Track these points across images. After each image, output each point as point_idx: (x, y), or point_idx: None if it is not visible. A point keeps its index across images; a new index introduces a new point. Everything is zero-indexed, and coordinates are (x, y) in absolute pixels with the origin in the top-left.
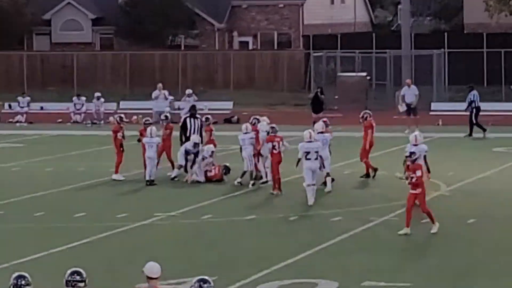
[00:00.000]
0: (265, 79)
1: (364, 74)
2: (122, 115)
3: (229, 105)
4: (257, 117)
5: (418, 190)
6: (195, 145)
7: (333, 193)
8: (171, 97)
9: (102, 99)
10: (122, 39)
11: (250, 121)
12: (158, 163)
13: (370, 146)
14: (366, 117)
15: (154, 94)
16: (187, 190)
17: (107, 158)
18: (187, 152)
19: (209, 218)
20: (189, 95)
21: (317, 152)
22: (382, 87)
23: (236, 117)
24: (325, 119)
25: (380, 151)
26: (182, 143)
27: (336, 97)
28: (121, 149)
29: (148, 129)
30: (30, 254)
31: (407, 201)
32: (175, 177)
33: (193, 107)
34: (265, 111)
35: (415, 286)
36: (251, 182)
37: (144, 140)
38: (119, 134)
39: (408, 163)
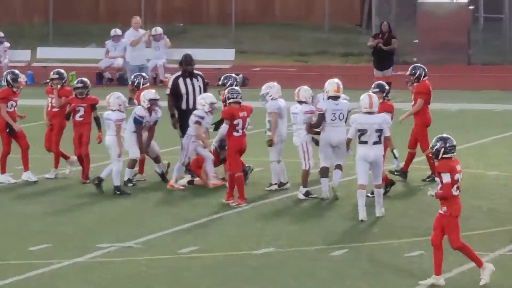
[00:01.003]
0: (291, 10)
1: (466, 0)
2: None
3: (228, 54)
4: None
5: None
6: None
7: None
8: (122, 40)
9: (7, 43)
10: None
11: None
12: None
13: (426, 125)
14: (418, 75)
15: (107, 44)
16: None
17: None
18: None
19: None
20: (156, 37)
21: (380, 131)
22: (496, 23)
23: (241, 76)
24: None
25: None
26: (177, 123)
27: (416, 41)
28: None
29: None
30: None
31: None
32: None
33: (186, 60)
34: (289, 66)
35: None
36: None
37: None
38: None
39: None
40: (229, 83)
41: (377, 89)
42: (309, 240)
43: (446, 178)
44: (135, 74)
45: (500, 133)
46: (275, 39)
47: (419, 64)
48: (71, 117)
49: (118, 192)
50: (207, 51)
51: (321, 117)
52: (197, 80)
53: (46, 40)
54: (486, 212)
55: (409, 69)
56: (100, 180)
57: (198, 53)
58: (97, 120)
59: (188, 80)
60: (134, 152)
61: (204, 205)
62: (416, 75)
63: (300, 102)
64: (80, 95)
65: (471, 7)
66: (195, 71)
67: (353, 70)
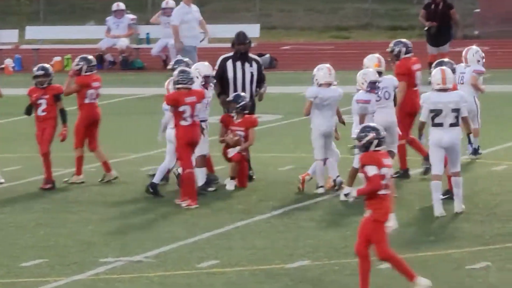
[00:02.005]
0: None
1: None
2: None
3: (253, 30)
4: None
5: None
6: None
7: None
8: (130, 16)
9: None
10: None
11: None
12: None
13: (409, 112)
14: (397, 52)
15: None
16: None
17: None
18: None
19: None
20: (166, 11)
21: (456, 111)
22: None
23: (268, 56)
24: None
25: None
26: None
27: (477, 10)
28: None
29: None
30: None
31: None
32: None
33: (239, 38)
34: (326, 43)
35: None
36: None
37: None
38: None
39: None
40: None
41: None
42: (352, 252)
43: (373, 170)
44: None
45: None
46: (309, 11)
47: (402, 39)
48: (33, 111)
49: (152, 191)
50: (227, 27)
51: None
52: (250, 66)
53: (37, 18)
54: None
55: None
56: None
57: (217, 30)
58: (63, 112)
59: (238, 63)
60: (203, 148)
61: (227, 211)
62: (395, 53)
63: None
64: (41, 84)
65: None
66: (250, 55)
67: None
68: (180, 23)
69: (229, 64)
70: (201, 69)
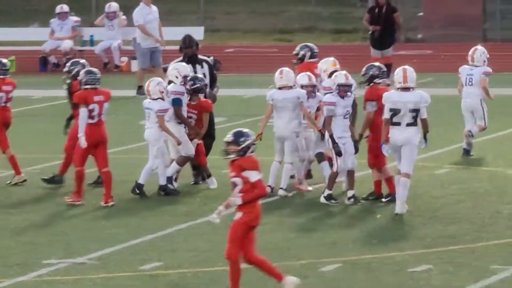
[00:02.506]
0: None
1: None
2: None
3: (197, 33)
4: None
5: None
6: None
7: None
8: (74, 18)
9: None
10: None
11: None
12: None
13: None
14: (302, 56)
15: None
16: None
17: None
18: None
19: None
20: (109, 15)
21: (415, 111)
22: None
23: (212, 58)
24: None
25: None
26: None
27: (420, 14)
28: None
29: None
30: None
31: None
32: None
33: (185, 42)
34: (270, 45)
35: None
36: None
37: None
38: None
39: None
40: (75, 70)
41: None
42: (295, 253)
43: (256, 175)
44: (72, 61)
45: None
46: (253, 14)
47: (308, 44)
48: None
49: (163, 193)
50: (171, 29)
51: None
52: (201, 67)
53: None
54: (507, 218)
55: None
56: (165, 189)
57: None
58: None
59: (190, 66)
60: (187, 148)
61: (170, 213)
62: (300, 56)
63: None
64: None
65: None
66: (200, 56)
67: (346, 49)
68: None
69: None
70: (180, 69)
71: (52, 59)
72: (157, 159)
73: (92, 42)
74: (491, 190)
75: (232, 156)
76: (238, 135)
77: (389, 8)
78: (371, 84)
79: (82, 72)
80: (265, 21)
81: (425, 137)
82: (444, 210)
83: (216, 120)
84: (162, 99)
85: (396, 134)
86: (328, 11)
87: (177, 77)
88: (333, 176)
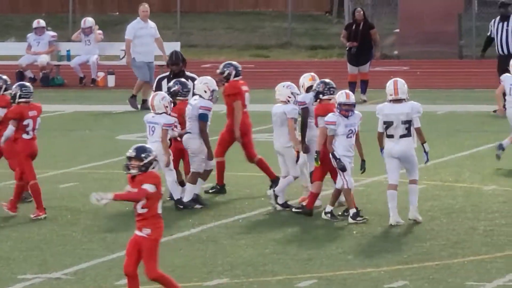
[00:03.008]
0: None
1: None
2: None
3: (173, 48)
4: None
5: None
6: None
7: None
8: (51, 33)
9: None
10: None
11: None
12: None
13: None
14: (227, 74)
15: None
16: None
17: None
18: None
19: None
20: (85, 30)
21: (408, 122)
22: (492, 8)
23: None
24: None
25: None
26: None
27: (397, 30)
28: None
29: None
30: None
31: None
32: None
33: (171, 58)
34: (246, 61)
35: None
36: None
37: None
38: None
39: None
40: (4, 86)
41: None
42: (270, 269)
43: (152, 189)
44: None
45: (498, 140)
46: (229, 30)
47: (232, 62)
48: None
49: (182, 207)
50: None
51: (306, 111)
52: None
53: None
54: (482, 235)
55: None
56: (181, 202)
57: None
58: None
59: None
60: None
61: None
62: (225, 75)
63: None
64: None
65: None
66: (187, 73)
67: (323, 65)
68: (133, 38)
69: (164, 83)
70: (209, 83)
71: (29, 73)
72: (172, 170)
73: (68, 57)
74: (466, 207)
75: (134, 171)
76: (141, 151)
77: (366, 24)
78: (318, 100)
79: (14, 87)
80: (242, 37)
81: (425, 151)
82: (419, 226)
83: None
84: (167, 113)
85: (391, 146)
86: (304, 27)
87: (205, 91)
88: (338, 193)
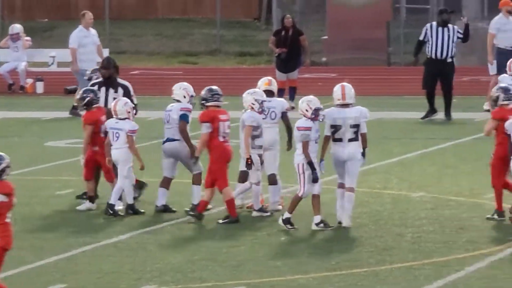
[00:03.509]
0: (177, 3)
1: None
2: None
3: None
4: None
5: None
6: None
7: None
8: None
9: None
10: None
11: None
12: None
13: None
14: None
15: None
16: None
17: None
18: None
19: None
20: (13, 37)
21: (356, 126)
22: (420, 15)
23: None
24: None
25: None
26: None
27: (325, 37)
28: None
29: None
30: None
31: None
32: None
33: (102, 63)
34: (175, 68)
35: None
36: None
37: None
38: None
39: None
40: None
41: None
42: (199, 276)
43: (2, 198)
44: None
45: (426, 147)
46: (158, 37)
47: (91, 88)
48: None
49: (132, 212)
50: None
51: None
52: (115, 91)
53: None
54: (410, 242)
55: None
56: (133, 208)
57: (65, 55)
58: None
59: (103, 88)
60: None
61: (74, 234)
62: (85, 102)
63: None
64: None
65: None
66: (119, 80)
67: (251, 72)
68: (78, 46)
69: (102, 90)
70: (188, 89)
71: None
72: (127, 179)
73: None
74: (394, 214)
75: None
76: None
77: (295, 31)
78: (204, 107)
79: None
80: (170, 44)
81: (363, 154)
82: (348, 233)
83: None
84: (129, 119)
85: (340, 150)
86: (232, 34)
87: (185, 97)
88: (297, 200)
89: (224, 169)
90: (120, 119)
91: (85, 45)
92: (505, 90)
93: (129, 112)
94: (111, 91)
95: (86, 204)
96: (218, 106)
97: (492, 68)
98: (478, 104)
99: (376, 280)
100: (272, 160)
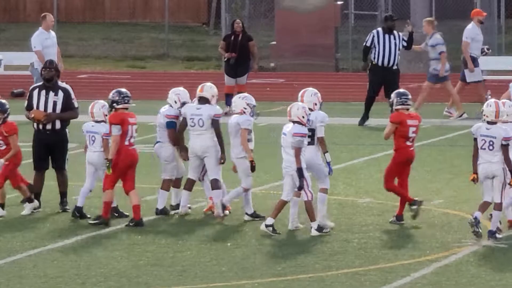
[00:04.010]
0: (125, 7)
1: None
2: None
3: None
4: None
5: None
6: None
7: None
8: None
9: None
10: None
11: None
12: None
13: None
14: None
15: None
16: None
17: None
18: None
19: None
20: None
21: (311, 131)
22: (368, 21)
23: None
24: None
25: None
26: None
27: (273, 43)
28: None
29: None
30: None
31: None
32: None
33: (45, 65)
34: (123, 72)
35: None
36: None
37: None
38: None
39: None
40: None
41: None
42: (144, 281)
43: None
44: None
45: (373, 153)
46: (106, 40)
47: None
48: None
49: (78, 214)
50: (23, 54)
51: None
52: (55, 94)
53: None
54: (356, 248)
55: None
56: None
57: (13, 57)
58: None
59: (43, 92)
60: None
61: (19, 238)
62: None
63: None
64: None
65: (339, 2)
66: (59, 83)
67: (200, 77)
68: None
69: (35, 92)
70: (181, 94)
71: None
72: (95, 182)
73: None
74: (341, 219)
75: None
76: None
77: (244, 36)
78: (113, 109)
79: None
80: (118, 48)
81: (327, 161)
82: (293, 238)
83: (69, 146)
84: (105, 122)
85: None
86: (181, 39)
87: (176, 102)
88: (282, 205)
89: (130, 173)
90: (97, 121)
91: (47, 46)
92: (399, 94)
93: (106, 115)
94: (51, 94)
95: (28, 206)
96: (126, 109)
97: (472, 76)
98: (425, 111)
99: (322, 286)
100: (212, 166)
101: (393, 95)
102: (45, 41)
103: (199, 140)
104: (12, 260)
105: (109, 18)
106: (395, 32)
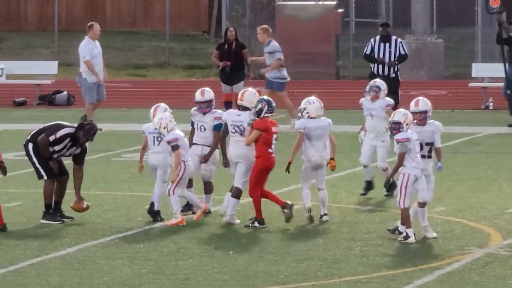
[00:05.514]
0: (126, 15)
1: (334, 2)
2: None
3: (50, 67)
4: None
5: None
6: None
7: None
8: None
9: None
10: None
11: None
12: None
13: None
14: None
15: None
16: None
17: None
18: None
19: None
20: None
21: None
22: (369, 29)
23: (65, 93)
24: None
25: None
26: None
27: None
28: None
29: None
30: None
31: None
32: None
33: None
34: (124, 81)
35: None
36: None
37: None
38: None
39: None
40: None
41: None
42: None
43: None
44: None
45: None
46: (107, 49)
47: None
48: None
49: (160, 218)
50: (25, 63)
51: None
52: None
53: None
54: (358, 255)
55: None
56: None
57: (14, 66)
58: None
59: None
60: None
61: (21, 247)
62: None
63: None
64: None
65: (340, 11)
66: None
67: (200, 85)
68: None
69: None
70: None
71: None
72: (165, 183)
73: None
74: (343, 227)
75: None
76: None
77: (238, 44)
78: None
79: None
80: (119, 56)
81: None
82: (296, 246)
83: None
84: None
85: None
86: (182, 47)
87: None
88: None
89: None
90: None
91: (95, 56)
92: (268, 103)
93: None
94: (73, 148)
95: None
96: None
97: None
98: None
99: None
100: (240, 174)
101: (261, 104)
102: (93, 50)
103: (237, 147)
104: (15, 268)
105: (110, 27)
106: (392, 39)
